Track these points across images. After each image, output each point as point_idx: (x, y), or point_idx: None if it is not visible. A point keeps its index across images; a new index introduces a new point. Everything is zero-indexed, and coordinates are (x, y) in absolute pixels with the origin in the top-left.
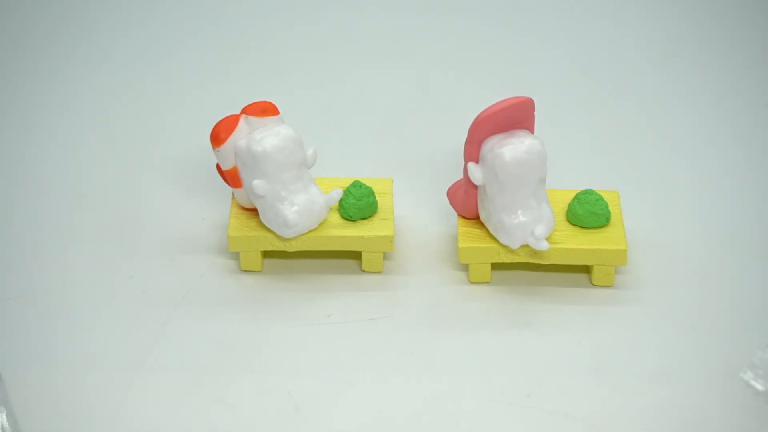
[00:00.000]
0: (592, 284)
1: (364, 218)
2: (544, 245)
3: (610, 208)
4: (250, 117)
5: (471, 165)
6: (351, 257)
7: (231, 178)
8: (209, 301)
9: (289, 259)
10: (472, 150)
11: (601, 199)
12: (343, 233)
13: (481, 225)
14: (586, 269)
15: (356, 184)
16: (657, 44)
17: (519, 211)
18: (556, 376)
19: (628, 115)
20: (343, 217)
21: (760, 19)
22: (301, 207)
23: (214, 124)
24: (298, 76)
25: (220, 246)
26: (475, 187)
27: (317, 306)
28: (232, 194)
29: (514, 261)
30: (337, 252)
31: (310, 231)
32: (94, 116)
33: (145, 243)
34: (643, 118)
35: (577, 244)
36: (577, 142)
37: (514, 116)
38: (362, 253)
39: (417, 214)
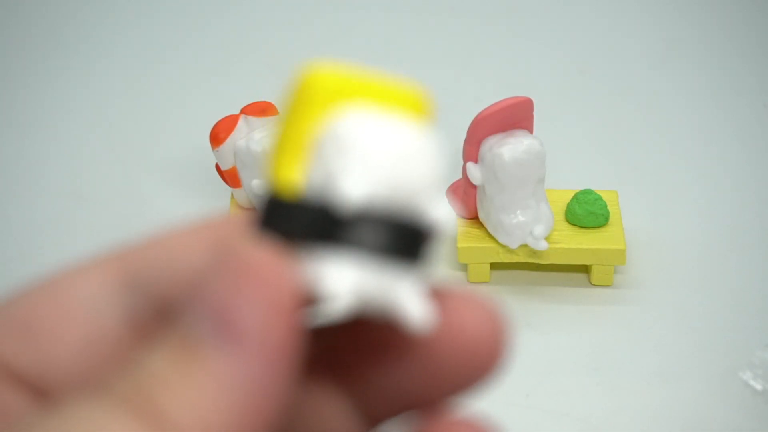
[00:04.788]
0: (591, 284)
1: None
2: (543, 245)
3: (608, 207)
4: (249, 117)
5: (470, 165)
6: None
7: (230, 178)
8: None
9: None
10: (471, 150)
11: (600, 198)
12: None
13: (480, 225)
14: (585, 269)
15: None
16: (656, 44)
17: (518, 211)
18: (555, 376)
19: (627, 114)
20: None
21: (760, 19)
22: None
23: (214, 124)
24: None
25: None
26: (474, 186)
27: None
28: (232, 194)
29: (513, 261)
30: None
31: None
32: (94, 116)
33: None
34: (642, 117)
35: (576, 243)
36: (575, 142)
37: (513, 116)
38: None
39: None
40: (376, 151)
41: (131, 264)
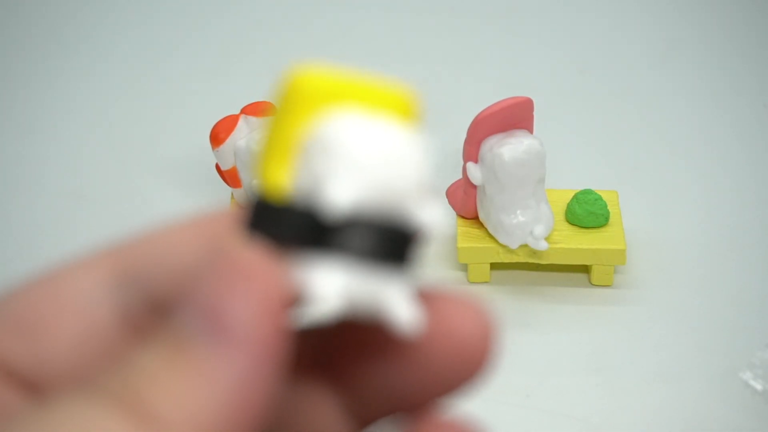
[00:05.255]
0: (591, 284)
1: None
2: (543, 245)
3: (609, 207)
4: (249, 117)
5: (470, 165)
6: None
7: (230, 178)
8: None
9: None
10: (471, 150)
11: (600, 198)
12: None
13: (480, 225)
14: (585, 269)
15: None
16: (656, 44)
17: (518, 211)
18: (555, 376)
19: (627, 114)
20: None
21: (760, 19)
22: None
23: (214, 124)
24: None
25: None
26: (474, 186)
27: None
28: (232, 194)
29: (513, 261)
30: None
31: None
32: (94, 116)
33: None
34: (642, 117)
35: (576, 243)
36: (575, 142)
37: (513, 116)
38: None
39: None
40: (363, 155)
41: (125, 260)
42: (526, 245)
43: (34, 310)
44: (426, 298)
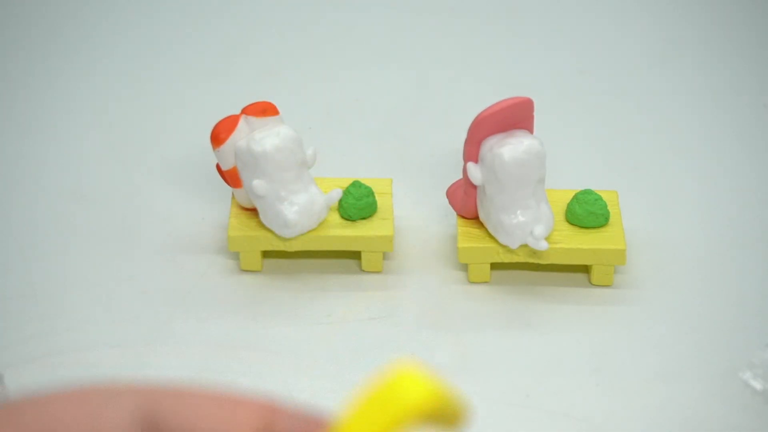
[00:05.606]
0: (591, 284)
1: (364, 218)
2: (543, 245)
3: (609, 207)
4: (250, 117)
5: (470, 165)
6: (351, 257)
7: (231, 178)
8: (209, 301)
9: (289, 259)
10: (472, 150)
11: (600, 198)
12: (342, 233)
13: (481, 225)
14: (585, 269)
15: (356, 184)
16: (656, 44)
17: (518, 211)
18: (555, 376)
19: (627, 114)
20: (342, 217)
21: (760, 19)
22: (301, 207)
23: (214, 124)
24: (298, 76)
25: (220, 246)
26: (475, 187)
27: (317, 306)
28: (232, 194)
29: (514, 261)
30: (337, 252)
31: (309, 231)
32: (94, 116)
33: (145, 243)
34: (642, 117)
35: (576, 243)
36: (576, 142)
37: (514, 116)
38: (362, 253)
39: (416, 213)
40: None
41: (151, 402)
42: (526, 245)
43: (59, 424)
44: None
